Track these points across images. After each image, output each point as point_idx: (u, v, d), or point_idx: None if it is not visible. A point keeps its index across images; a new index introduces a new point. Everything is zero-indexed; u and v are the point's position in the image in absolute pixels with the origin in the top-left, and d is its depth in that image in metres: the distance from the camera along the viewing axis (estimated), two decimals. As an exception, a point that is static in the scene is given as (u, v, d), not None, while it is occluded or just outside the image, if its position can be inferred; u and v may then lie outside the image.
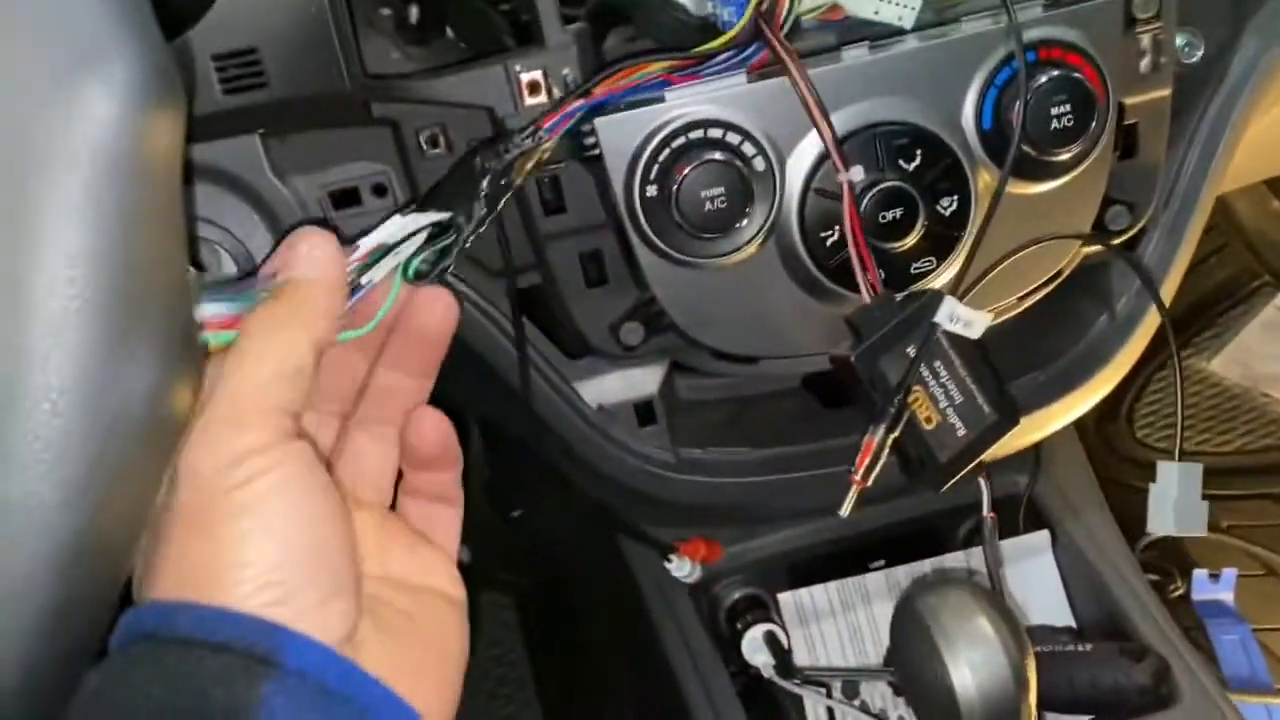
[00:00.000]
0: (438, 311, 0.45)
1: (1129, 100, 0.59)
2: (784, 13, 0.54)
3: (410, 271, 0.49)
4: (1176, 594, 1.15)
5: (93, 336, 0.26)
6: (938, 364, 0.54)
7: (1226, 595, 1.15)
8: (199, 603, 0.32)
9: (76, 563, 0.27)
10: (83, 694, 0.30)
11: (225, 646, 0.31)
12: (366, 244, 0.47)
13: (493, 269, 0.62)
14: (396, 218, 0.49)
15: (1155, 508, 0.60)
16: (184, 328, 0.29)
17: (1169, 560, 1.18)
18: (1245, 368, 1.37)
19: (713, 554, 0.78)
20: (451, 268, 0.51)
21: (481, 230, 0.51)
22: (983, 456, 0.56)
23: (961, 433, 0.55)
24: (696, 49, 0.53)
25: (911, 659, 0.52)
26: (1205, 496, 1.29)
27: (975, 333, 0.53)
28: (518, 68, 0.56)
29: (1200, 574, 1.15)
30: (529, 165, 0.53)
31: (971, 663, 0.49)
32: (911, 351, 0.53)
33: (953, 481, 0.55)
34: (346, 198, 0.61)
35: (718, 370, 0.64)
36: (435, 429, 0.45)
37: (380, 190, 0.61)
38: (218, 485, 0.32)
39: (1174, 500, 0.59)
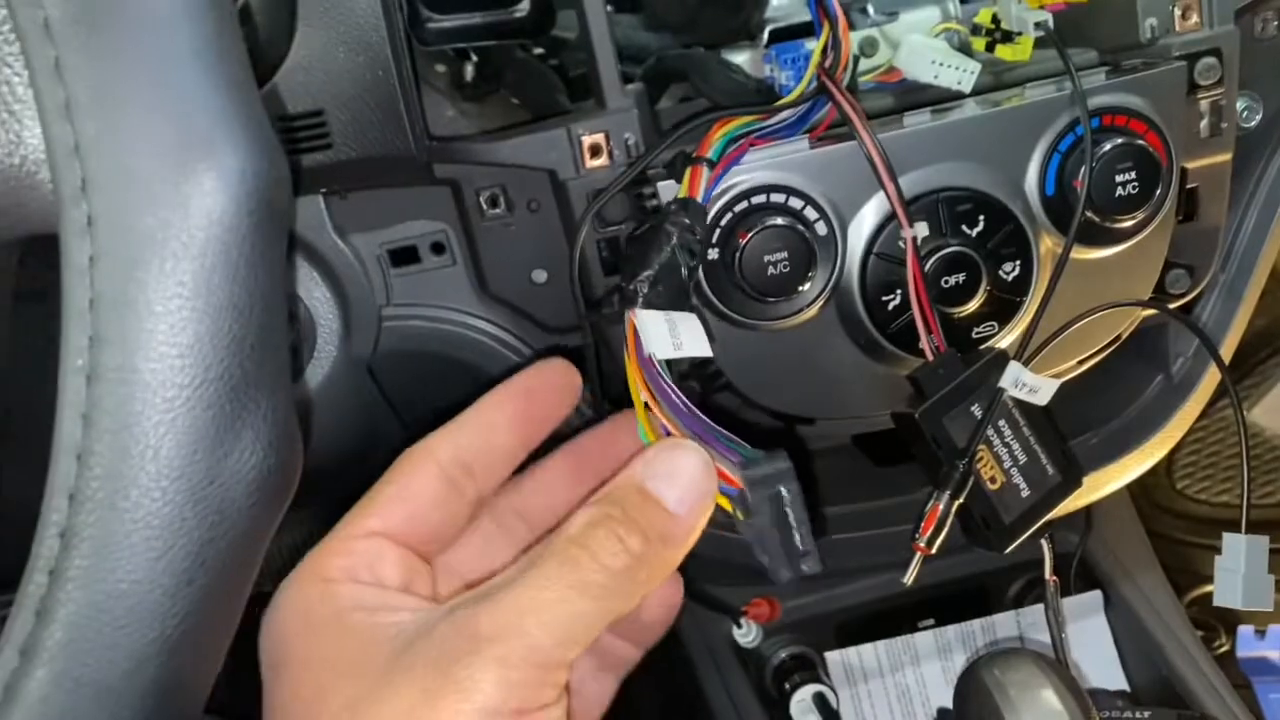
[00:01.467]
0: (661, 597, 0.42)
1: (1190, 165, 0.58)
2: (845, 73, 0.55)
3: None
4: (1221, 650, 1.13)
5: (202, 424, 0.26)
6: (1002, 423, 0.54)
7: (1274, 652, 1.12)
8: None
9: (179, 650, 0.27)
10: None
11: None
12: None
13: (546, 325, 0.62)
14: (647, 321, 0.45)
15: (1223, 581, 0.59)
16: (286, 410, 0.29)
17: (1213, 616, 1.16)
18: (1286, 418, 1.36)
19: (774, 613, 0.77)
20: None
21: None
22: (1046, 518, 0.56)
23: (1026, 494, 0.54)
24: (764, 106, 0.53)
25: (977, 731, 0.52)
26: (1247, 549, 1.27)
27: (1042, 399, 0.53)
28: (580, 131, 0.56)
29: (1246, 630, 1.13)
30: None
31: (1040, 737, 0.49)
32: (977, 411, 0.53)
33: (1016, 544, 0.54)
34: (406, 255, 0.62)
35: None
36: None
37: (439, 249, 0.62)
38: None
39: (1242, 575, 0.58)
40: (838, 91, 0.52)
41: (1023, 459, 0.54)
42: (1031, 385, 0.52)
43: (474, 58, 0.63)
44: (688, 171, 0.51)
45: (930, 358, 0.54)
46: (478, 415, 0.40)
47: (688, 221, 0.49)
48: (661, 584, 0.35)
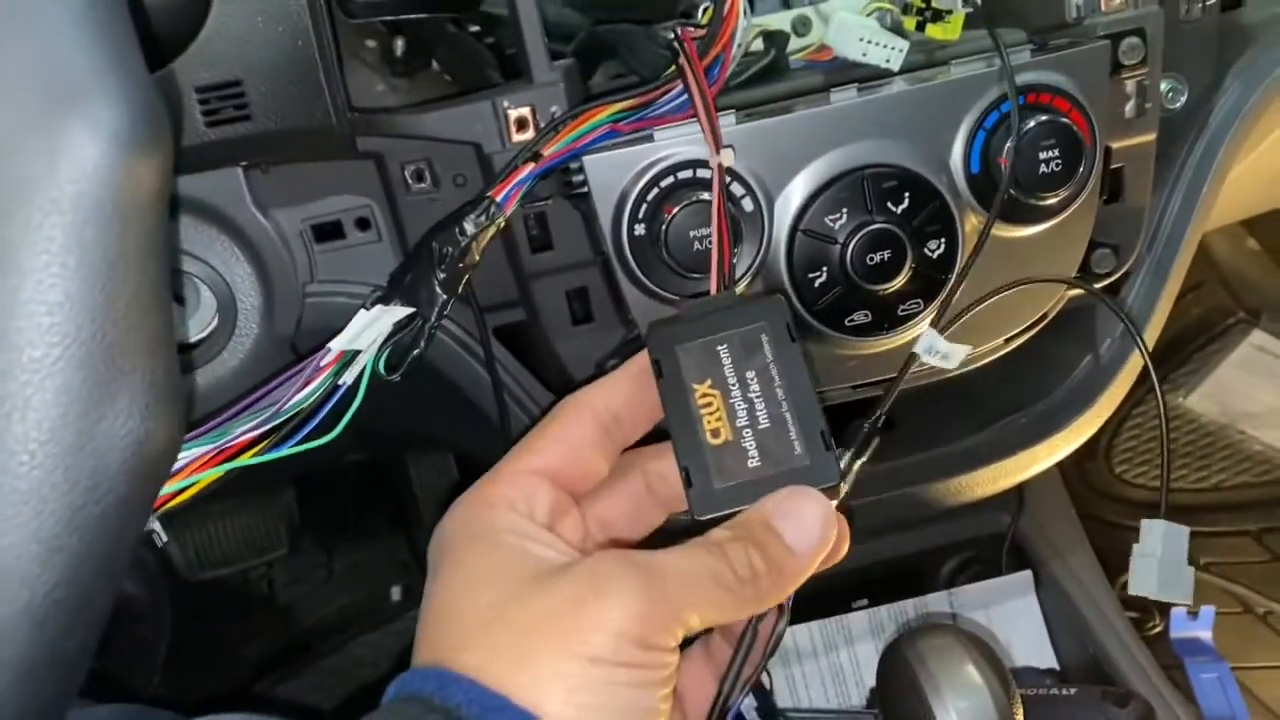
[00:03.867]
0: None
1: (1115, 145, 0.59)
2: (733, 49, 0.53)
3: (382, 366, 0.49)
4: (1155, 631, 1.15)
5: (73, 386, 0.25)
6: (751, 376, 0.45)
7: (1205, 633, 1.14)
8: (480, 683, 0.33)
9: (54, 616, 0.26)
10: None
11: None
12: (335, 347, 0.47)
13: (477, 304, 0.61)
14: (360, 316, 0.49)
15: (1140, 569, 0.58)
16: (167, 374, 0.28)
17: (1147, 598, 1.18)
18: (1222, 405, 1.39)
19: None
20: (424, 352, 0.51)
21: (446, 313, 0.51)
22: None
23: (753, 463, 0.43)
24: (636, 91, 0.53)
25: (898, 706, 0.52)
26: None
27: (952, 364, 0.52)
28: (506, 104, 0.55)
29: (1178, 612, 1.14)
30: (486, 239, 0.52)
31: (959, 710, 0.49)
32: (723, 351, 0.45)
33: (719, 515, 0.43)
34: (329, 231, 0.61)
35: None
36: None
37: (364, 224, 0.61)
38: (611, 649, 0.34)
39: (1159, 560, 0.58)
40: (690, 71, 0.51)
41: (764, 424, 0.44)
42: (944, 352, 0.52)
43: (405, 32, 0.61)
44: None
45: (715, 291, 0.49)
46: (625, 373, 0.44)
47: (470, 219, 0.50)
48: (771, 606, 0.40)
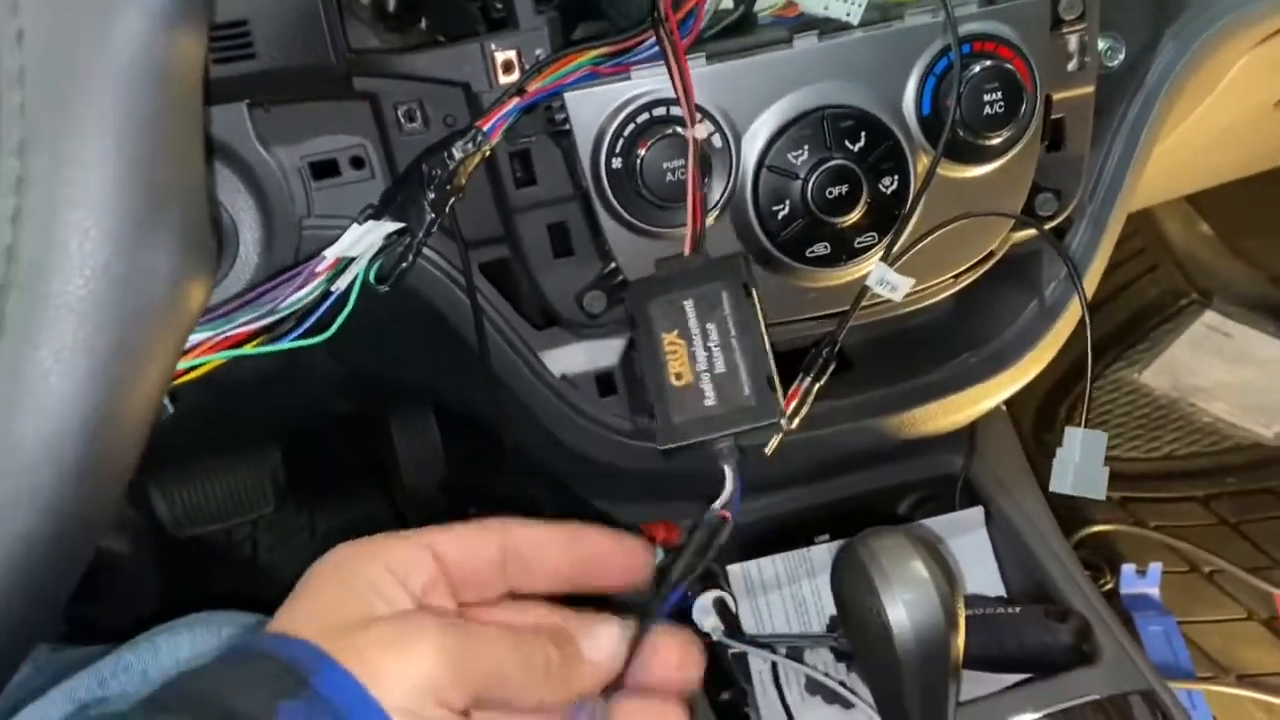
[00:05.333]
0: (673, 661, 0.44)
1: (1056, 96, 0.64)
2: (706, 4, 0.58)
3: (373, 276, 0.53)
4: (1106, 588, 1.20)
5: (124, 221, 0.29)
6: (711, 327, 0.53)
7: (1153, 589, 1.20)
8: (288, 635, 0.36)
9: (99, 432, 0.30)
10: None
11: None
12: (330, 255, 0.51)
13: (465, 238, 0.65)
14: (354, 228, 0.53)
15: (1057, 470, 0.64)
16: (200, 223, 0.32)
17: (1099, 557, 1.23)
18: (1174, 379, 1.45)
19: (671, 535, 0.81)
20: (409, 268, 0.54)
21: (434, 231, 0.55)
22: (727, 436, 0.53)
23: (709, 402, 0.52)
24: (616, 38, 0.57)
25: (851, 598, 0.56)
26: (1135, 500, 1.35)
27: (898, 295, 0.57)
28: (493, 46, 0.59)
29: (1128, 569, 1.20)
30: (473, 165, 0.56)
31: (906, 600, 0.53)
32: (688, 306, 0.53)
33: (681, 445, 0.52)
34: (326, 168, 0.64)
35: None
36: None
37: (358, 162, 0.65)
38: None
39: (1075, 464, 0.63)
40: (663, 26, 0.55)
41: (720, 369, 0.53)
42: (893, 283, 0.56)
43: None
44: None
45: (688, 250, 0.56)
46: (550, 533, 0.44)
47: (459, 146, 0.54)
48: (565, 699, 0.40)
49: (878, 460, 0.82)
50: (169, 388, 0.37)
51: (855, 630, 0.57)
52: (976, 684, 0.71)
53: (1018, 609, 0.70)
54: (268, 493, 1.21)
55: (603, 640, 0.42)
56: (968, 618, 0.71)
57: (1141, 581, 1.20)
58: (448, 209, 0.55)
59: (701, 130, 0.57)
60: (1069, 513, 1.30)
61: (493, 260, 0.66)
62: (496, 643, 0.38)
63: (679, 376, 0.52)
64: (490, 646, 0.38)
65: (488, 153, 0.55)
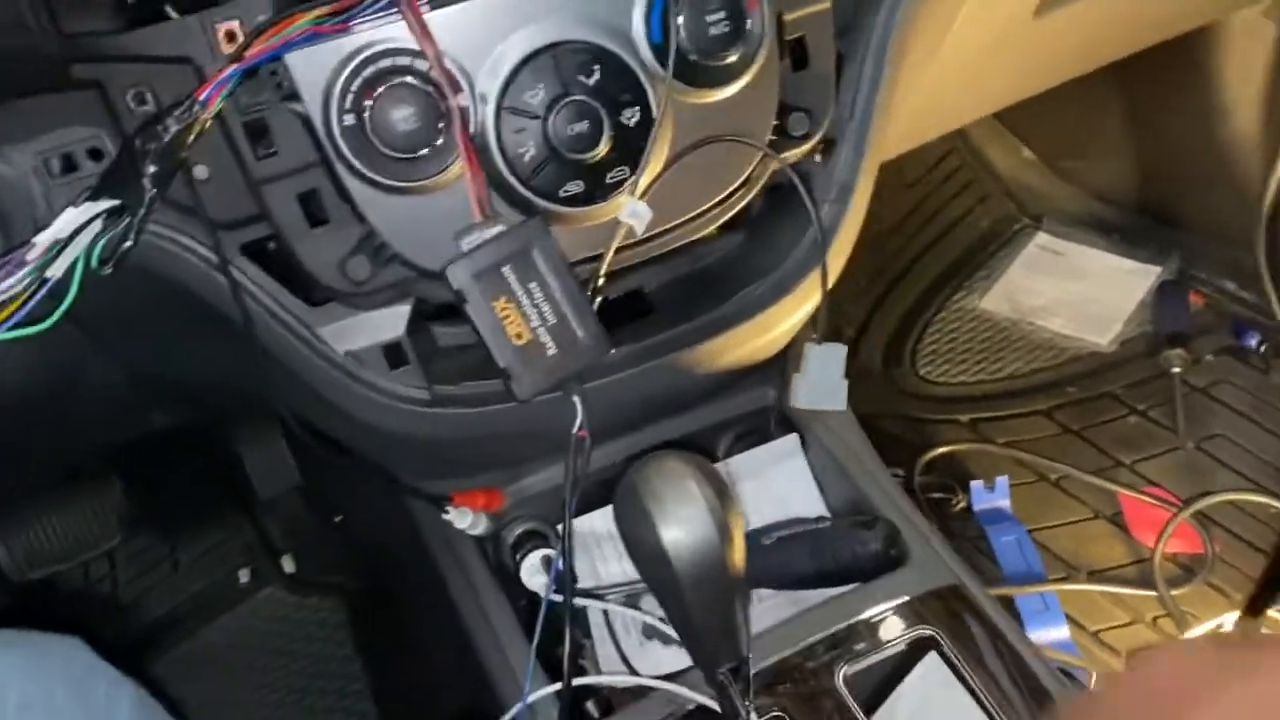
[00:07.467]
0: None
1: (789, 16, 0.65)
2: None
3: (94, 259, 0.52)
4: (959, 507, 1.24)
5: None
6: (534, 286, 0.58)
7: (1003, 502, 1.24)
8: None
9: None
10: None
11: None
12: (42, 241, 0.49)
13: (221, 222, 0.64)
14: (69, 211, 0.52)
15: (795, 385, 0.66)
16: None
17: (951, 477, 1.27)
18: (1012, 302, 1.49)
19: (493, 502, 0.80)
20: (132, 246, 0.53)
21: (155, 208, 0.54)
22: (573, 372, 0.59)
23: (551, 351, 0.58)
24: None
25: (630, 529, 0.56)
26: (983, 420, 1.39)
27: (641, 224, 0.58)
28: (215, 18, 0.58)
29: (977, 485, 1.24)
30: (192, 137, 0.55)
31: (678, 518, 0.54)
32: (507, 271, 0.57)
33: (539, 391, 0.59)
34: (63, 164, 0.62)
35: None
36: None
37: (96, 154, 0.62)
38: None
39: (808, 380, 0.65)
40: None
41: (552, 320, 0.58)
42: (642, 215, 0.57)
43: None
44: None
45: (479, 217, 0.58)
46: None
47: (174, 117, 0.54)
48: None
49: (695, 401, 0.83)
50: None
51: (641, 561, 0.57)
52: (806, 604, 0.72)
53: (829, 522, 0.71)
54: (112, 525, 1.17)
55: None
56: (785, 538, 0.72)
57: (991, 495, 1.23)
58: (170, 181, 0.53)
59: (464, 99, 0.57)
60: (918, 437, 1.34)
61: (258, 239, 0.65)
62: None
63: (519, 336, 0.58)
64: None
65: (208, 122, 0.54)
